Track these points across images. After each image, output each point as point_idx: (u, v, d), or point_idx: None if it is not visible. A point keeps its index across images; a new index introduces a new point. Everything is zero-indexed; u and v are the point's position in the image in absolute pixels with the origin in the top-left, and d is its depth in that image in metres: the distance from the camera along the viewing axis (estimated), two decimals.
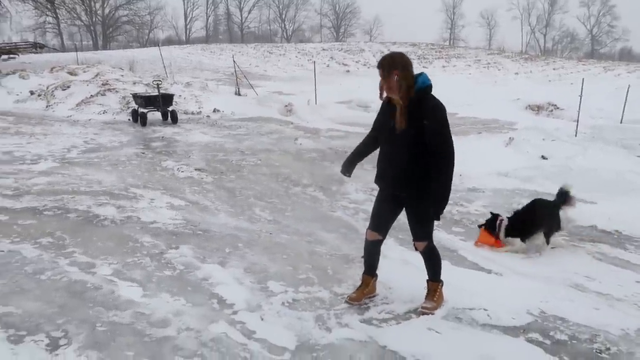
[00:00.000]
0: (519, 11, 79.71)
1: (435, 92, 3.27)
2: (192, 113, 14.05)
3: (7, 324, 3.22)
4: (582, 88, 11.89)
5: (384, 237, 3.58)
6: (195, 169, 7.71)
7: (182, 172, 7.50)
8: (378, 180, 3.49)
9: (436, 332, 3.30)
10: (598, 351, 3.15)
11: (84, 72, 18.45)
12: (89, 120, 12.70)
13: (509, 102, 17.30)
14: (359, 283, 3.84)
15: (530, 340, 3.25)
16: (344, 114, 14.60)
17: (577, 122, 11.65)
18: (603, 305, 3.76)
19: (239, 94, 18.26)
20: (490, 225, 4.93)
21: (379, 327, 3.37)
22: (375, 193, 3.62)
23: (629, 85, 14.75)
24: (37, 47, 42.20)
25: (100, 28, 67.31)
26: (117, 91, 14.68)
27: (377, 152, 3.52)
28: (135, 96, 12.50)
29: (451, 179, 3.25)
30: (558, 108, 16.08)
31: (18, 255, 4.26)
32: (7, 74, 17.97)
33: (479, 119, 14.95)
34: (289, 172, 7.76)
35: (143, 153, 8.87)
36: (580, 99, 11.77)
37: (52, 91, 15.03)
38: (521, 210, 4.97)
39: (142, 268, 4.12)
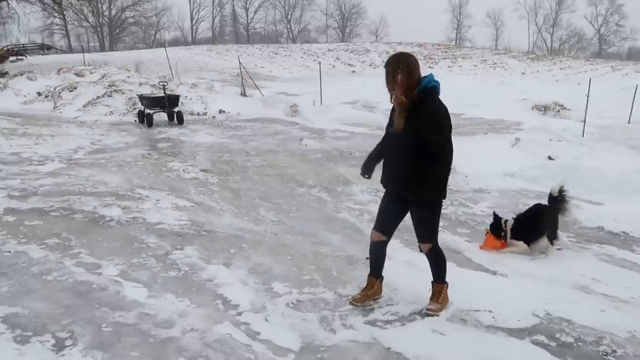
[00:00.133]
0: (526, 11, 79.48)
1: (441, 92, 3.25)
2: (198, 114, 14.10)
3: (13, 324, 3.25)
4: (589, 88, 11.81)
5: (389, 239, 3.57)
6: (201, 170, 7.74)
7: (187, 173, 7.53)
8: (383, 181, 3.50)
9: (441, 333, 3.29)
10: (604, 354, 3.13)
11: (91, 73, 18.58)
12: (96, 121, 12.78)
13: (515, 102, 17.20)
14: (363, 284, 3.84)
15: (535, 343, 3.23)
16: (350, 115, 14.58)
17: (584, 122, 11.57)
18: (609, 307, 3.74)
19: (245, 95, 18.30)
20: (496, 228, 4.86)
21: (383, 328, 3.36)
22: (381, 194, 3.62)
23: (637, 85, 14.62)
24: (44, 48, 42.56)
25: (107, 29, 67.73)
26: (123, 92, 14.76)
27: None
28: (142, 97, 12.56)
29: (442, 183, 3.22)
30: (565, 108, 15.97)
31: (25, 256, 4.29)
32: (15, 75, 18.14)
33: (485, 119, 14.89)
34: (294, 173, 7.76)
35: (149, 154, 8.91)
36: (588, 99, 11.69)
37: (59, 92, 15.13)
38: (525, 215, 4.90)
39: (148, 269, 4.14)
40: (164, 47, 30.47)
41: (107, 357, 2.95)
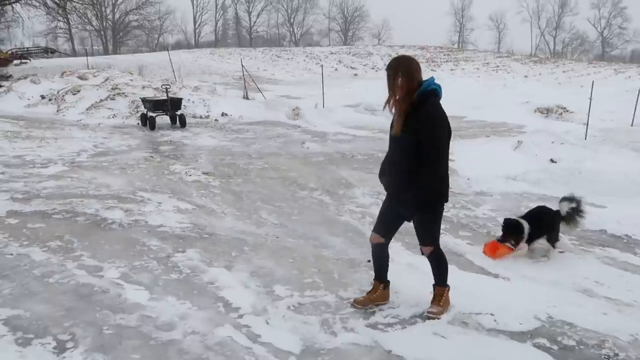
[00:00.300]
0: (529, 14, 79.28)
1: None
2: (201, 117, 14.13)
3: (15, 326, 3.26)
4: (592, 90, 11.78)
5: (388, 241, 3.56)
6: (203, 173, 7.75)
7: (189, 175, 7.54)
8: (384, 183, 3.50)
9: (442, 336, 3.28)
10: (606, 357, 3.12)
11: (94, 76, 18.66)
12: (99, 124, 12.82)
13: (517, 105, 17.17)
14: (365, 287, 3.85)
15: (537, 346, 3.22)
16: (352, 118, 14.59)
17: (587, 125, 11.54)
18: (612, 311, 3.72)
19: (247, 98, 18.34)
20: (515, 230, 4.64)
21: (384, 331, 3.36)
22: (383, 197, 3.62)
23: None
24: (48, 51, 42.81)
25: (110, 33, 68.02)
26: (126, 95, 14.81)
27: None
28: (144, 100, 12.60)
29: (440, 185, 3.21)
30: (567, 111, 15.93)
31: (27, 259, 4.30)
32: (19, 79, 18.24)
33: (488, 122, 14.86)
34: (296, 176, 7.77)
35: (151, 157, 8.93)
36: (590, 101, 11.66)
37: (63, 95, 15.19)
38: (523, 218, 4.84)
39: (149, 271, 4.15)
40: (167, 50, 30.61)
41: (108, 359, 2.96)
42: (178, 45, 67.92)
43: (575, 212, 4.84)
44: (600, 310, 3.72)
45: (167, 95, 12.38)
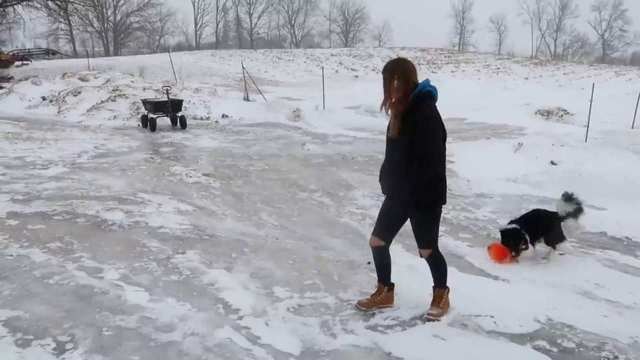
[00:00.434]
0: (529, 16, 79.32)
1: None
2: (201, 118, 14.15)
3: (15, 327, 3.26)
4: (592, 93, 11.79)
5: (388, 244, 3.56)
6: (203, 174, 7.75)
7: (190, 177, 7.55)
8: (382, 186, 3.51)
9: (442, 338, 3.28)
10: (606, 359, 3.11)
11: (95, 78, 18.69)
12: (100, 125, 12.83)
13: (518, 107, 17.17)
14: (365, 289, 3.85)
15: (537, 348, 3.21)
16: (352, 120, 14.60)
17: (588, 127, 11.54)
18: (612, 313, 3.72)
19: (248, 100, 18.36)
20: (516, 238, 4.62)
21: (384, 333, 3.36)
22: (383, 199, 3.62)
23: None
24: (49, 53, 42.90)
25: (111, 34, 68.14)
26: (127, 97, 14.83)
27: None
28: (145, 102, 12.62)
29: (428, 188, 3.19)
30: (568, 113, 15.92)
31: (27, 260, 4.31)
32: (20, 80, 18.26)
33: (488, 124, 14.86)
34: (296, 178, 7.77)
35: (152, 158, 8.94)
36: (591, 104, 11.66)
37: (64, 97, 15.21)
38: (521, 220, 4.83)
39: (149, 273, 4.15)
40: (168, 52, 30.64)
41: None
42: (179, 47, 68.02)
43: (574, 214, 4.84)
44: (600, 312, 3.71)
45: (168, 97, 12.39)
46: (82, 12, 31.33)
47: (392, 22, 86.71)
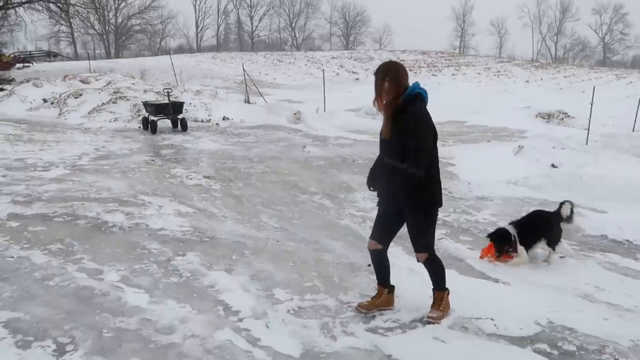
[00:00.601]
0: (530, 19, 79.47)
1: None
2: (202, 121, 14.16)
3: (15, 329, 3.26)
4: (593, 96, 11.79)
5: (386, 247, 3.56)
6: (204, 177, 7.76)
7: (190, 179, 7.55)
8: (376, 190, 3.54)
9: (442, 341, 3.28)
10: None
11: (96, 80, 18.73)
12: (100, 127, 12.85)
13: (519, 110, 17.17)
14: (365, 292, 3.85)
15: (537, 351, 3.21)
16: (353, 122, 14.63)
17: (588, 130, 11.54)
18: (612, 316, 3.71)
19: (249, 102, 18.37)
20: (503, 240, 4.65)
21: (384, 335, 3.35)
22: None
23: None
24: (50, 55, 43.00)
25: (113, 37, 68.29)
26: (128, 99, 14.85)
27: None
28: (146, 104, 12.64)
29: (412, 187, 3.18)
30: (569, 116, 15.92)
31: (27, 262, 4.31)
32: (21, 82, 18.31)
33: (489, 127, 14.86)
34: (296, 180, 7.78)
35: (152, 160, 8.95)
36: (592, 107, 11.67)
37: (65, 99, 15.23)
38: (520, 222, 4.83)
39: (149, 275, 4.15)
40: (169, 54, 30.69)
41: None
42: (180, 50, 68.12)
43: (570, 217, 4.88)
44: (600, 315, 3.71)
45: (169, 99, 12.41)
46: (84, 15, 31.42)
47: (392, 25, 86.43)
